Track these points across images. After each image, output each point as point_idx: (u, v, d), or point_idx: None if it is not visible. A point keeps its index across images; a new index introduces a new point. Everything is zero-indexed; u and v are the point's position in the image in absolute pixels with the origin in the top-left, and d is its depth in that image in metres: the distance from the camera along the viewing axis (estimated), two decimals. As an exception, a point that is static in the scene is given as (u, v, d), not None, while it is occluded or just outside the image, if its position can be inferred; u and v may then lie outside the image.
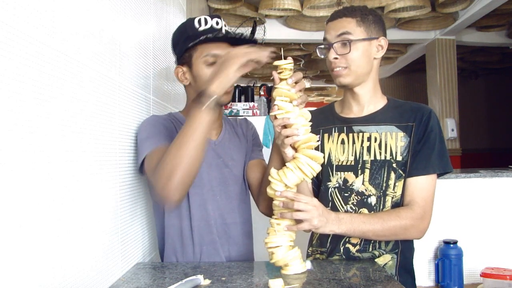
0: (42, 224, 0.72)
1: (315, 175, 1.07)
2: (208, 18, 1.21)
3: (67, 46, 0.82)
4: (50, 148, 0.75)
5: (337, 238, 1.22)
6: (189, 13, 2.48)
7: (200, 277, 0.96)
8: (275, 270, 1.07)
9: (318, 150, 1.15)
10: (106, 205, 1.02)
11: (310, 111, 1.39)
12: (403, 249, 1.20)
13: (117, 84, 1.10)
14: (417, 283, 1.29)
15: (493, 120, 8.25)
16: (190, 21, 1.23)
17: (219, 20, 1.22)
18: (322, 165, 1.27)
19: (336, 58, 1.18)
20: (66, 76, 0.81)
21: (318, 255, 1.28)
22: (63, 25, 0.80)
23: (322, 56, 1.24)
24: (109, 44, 1.04)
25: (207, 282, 0.97)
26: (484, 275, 2.26)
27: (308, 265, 1.12)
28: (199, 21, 1.21)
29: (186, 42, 1.21)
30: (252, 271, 1.11)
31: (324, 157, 1.27)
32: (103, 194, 1.00)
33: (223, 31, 1.21)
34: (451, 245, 2.40)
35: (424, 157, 1.16)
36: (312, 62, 6.85)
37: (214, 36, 1.18)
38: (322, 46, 1.23)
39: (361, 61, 1.18)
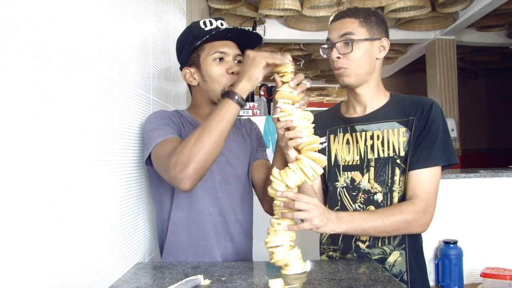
0: (42, 224, 0.72)
1: (316, 177, 1.07)
2: (213, 20, 1.25)
3: (67, 46, 0.82)
4: (50, 148, 0.75)
5: (349, 236, 1.22)
6: (189, 13, 2.48)
7: (200, 277, 0.96)
8: (275, 270, 1.07)
9: (322, 153, 1.16)
10: (106, 205, 1.02)
11: (318, 113, 1.41)
12: (410, 244, 1.20)
13: (117, 84, 1.10)
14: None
15: (493, 120, 8.25)
16: (195, 23, 1.26)
17: (223, 22, 1.26)
18: (330, 165, 1.29)
19: (338, 58, 1.20)
20: (66, 76, 0.81)
21: (331, 253, 1.29)
22: (63, 25, 0.80)
23: (325, 56, 1.26)
24: (109, 44, 1.04)
25: (207, 282, 0.97)
26: (484, 275, 2.25)
27: (308, 266, 1.12)
28: (204, 22, 1.25)
29: (193, 42, 1.24)
30: (252, 271, 1.11)
31: (331, 158, 1.29)
32: (103, 194, 1.00)
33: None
34: (451, 245, 2.40)
35: (425, 149, 1.16)
36: (312, 62, 6.86)
37: (222, 32, 1.22)
38: (326, 46, 1.25)
39: (363, 61, 1.20)
